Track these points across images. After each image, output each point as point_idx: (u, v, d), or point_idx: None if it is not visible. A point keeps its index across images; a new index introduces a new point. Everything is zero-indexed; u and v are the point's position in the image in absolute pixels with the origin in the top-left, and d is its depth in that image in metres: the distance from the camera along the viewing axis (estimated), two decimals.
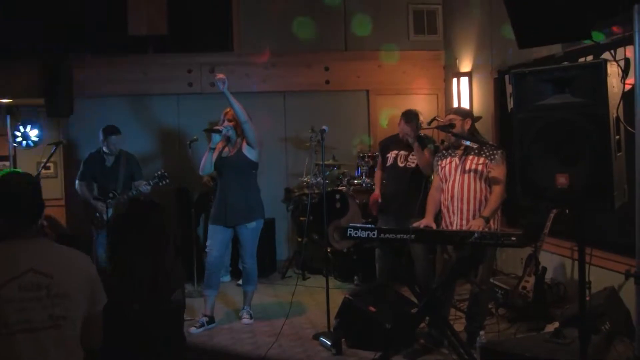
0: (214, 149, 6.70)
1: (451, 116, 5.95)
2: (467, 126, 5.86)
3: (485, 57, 8.60)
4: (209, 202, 7.66)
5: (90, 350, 3.08)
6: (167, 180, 7.70)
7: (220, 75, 6.45)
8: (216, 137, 6.65)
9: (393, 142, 7.03)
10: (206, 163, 6.70)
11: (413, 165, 6.70)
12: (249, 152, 6.67)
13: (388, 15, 10.05)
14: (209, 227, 6.85)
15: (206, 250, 6.81)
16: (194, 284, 7.93)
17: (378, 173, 7.22)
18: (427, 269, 6.64)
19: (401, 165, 6.78)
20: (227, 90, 6.42)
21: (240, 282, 7.75)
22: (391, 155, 6.89)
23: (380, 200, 7.00)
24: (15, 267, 2.81)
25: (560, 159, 3.83)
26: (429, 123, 7.65)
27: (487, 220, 5.43)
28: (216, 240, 6.73)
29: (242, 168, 6.69)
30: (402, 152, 6.80)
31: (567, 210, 5.85)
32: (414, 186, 6.63)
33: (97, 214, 7.67)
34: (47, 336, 2.82)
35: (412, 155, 6.71)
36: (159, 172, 7.68)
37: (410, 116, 6.76)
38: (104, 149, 7.81)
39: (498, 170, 5.61)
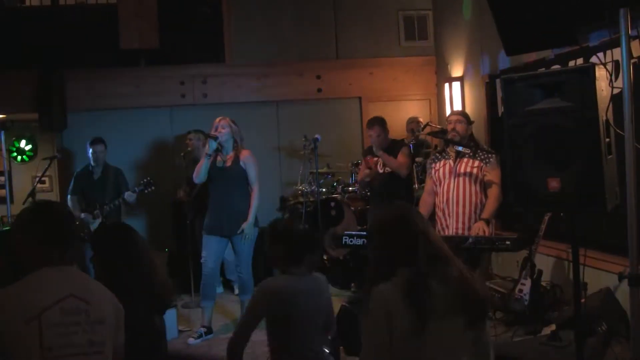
0: (210, 155, 6.70)
1: (458, 117, 5.96)
2: (470, 131, 5.95)
3: (476, 62, 8.63)
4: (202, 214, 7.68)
5: None
6: (153, 187, 7.73)
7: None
8: (212, 144, 6.67)
9: (371, 150, 7.35)
10: (201, 170, 6.71)
11: (389, 169, 6.88)
12: (247, 167, 6.71)
13: (378, 22, 10.09)
14: (203, 237, 6.85)
15: (201, 261, 6.82)
16: (191, 295, 7.94)
17: (363, 168, 7.63)
18: None
19: (380, 170, 7.06)
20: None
21: (237, 292, 7.80)
22: (374, 160, 7.21)
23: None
24: (57, 292, 2.82)
25: (552, 163, 3.85)
26: (422, 129, 7.72)
27: (487, 223, 5.48)
28: (211, 251, 6.73)
29: (238, 179, 6.71)
30: (380, 159, 7.11)
31: (560, 214, 5.87)
32: (394, 189, 6.87)
33: (86, 227, 7.69)
34: None
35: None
36: (145, 180, 7.72)
37: (371, 122, 7.13)
38: (91, 161, 7.86)
39: (494, 173, 5.66)
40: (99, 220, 7.69)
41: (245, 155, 6.72)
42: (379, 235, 3.07)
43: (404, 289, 2.81)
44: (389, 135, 7.26)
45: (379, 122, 7.11)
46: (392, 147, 7.16)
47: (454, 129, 5.83)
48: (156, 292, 3.53)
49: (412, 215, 3.03)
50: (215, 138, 6.65)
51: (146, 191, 7.71)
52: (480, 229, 5.39)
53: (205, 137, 6.82)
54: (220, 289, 8.59)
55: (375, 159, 7.10)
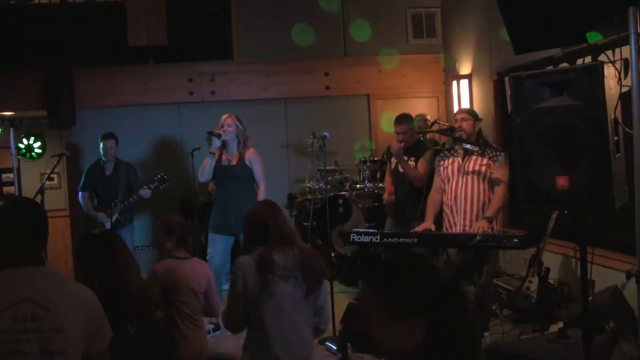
0: (213, 153, 6.72)
1: (464, 115, 5.94)
2: (477, 128, 5.90)
3: (484, 60, 8.62)
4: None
5: None
6: (168, 183, 7.75)
7: None
8: (215, 142, 6.68)
9: None
10: (206, 168, 6.73)
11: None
12: (252, 166, 6.71)
13: (387, 19, 10.08)
14: (209, 235, 6.87)
15: (207, 258, 6.84)
16: None
17: (387, 176, 7.34)
18: None
19: (401, 170, 6.85)
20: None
21: None
22: (394, 160, 6.99)
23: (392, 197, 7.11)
24: (11, 296, 2.66)
25: (560, 161, 3.85)
26: (430, 126, 7.69)
27: (490, 221, 5.46)
28: (218, 248, 6.76)
29: (243, 177, 6.73)
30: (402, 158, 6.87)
31: (566, 212, 5.87)
32: (413, 192, 6.69)
33: (99, 224, 7.71)
34: None
35: (411, 160, 6.81)
36: (159, 176, 7.73)
37: (400, 119, 6.93)
38: (102, 157, 7.88)
39: (501, 172, 5.64)
40: (115, 217, 7.70)
41: (250, 153, 6.73)
42: (247, 225, 4.18)
43: (255, 260, 3.88)
44: (415, 134, 7.00)
45: (408, 120, 6.96)
46: (417, 147, 6.93)
47: (460, 127, 5.81)
48: (134, 300, 3.50)
49: (263, 208, 4.20)
50: (219, 136, 6.67)
51: (161, 187, 7.74)
52: (480, 227, 5.37)
53: (209, 135, 6.83)
54: (227, 285, 8.58)
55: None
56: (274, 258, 3.89)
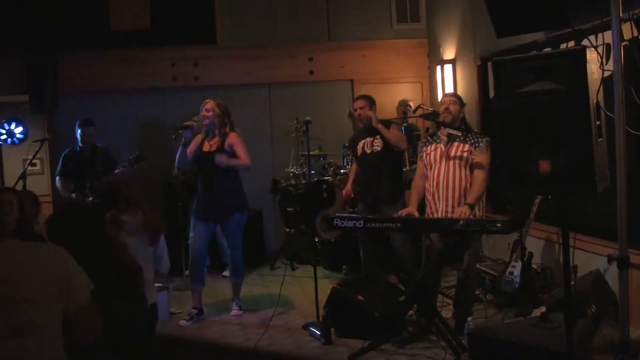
0: (185, 145, 6.70)
1: (451, 99, 5.93)
2: (462, 113, 5.89)
3: (468, 44, 8.62)
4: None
5: (86, 344, 2.91)
6: (144, 161, 7.67)
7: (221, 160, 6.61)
8: (187, 134, 6.68)
9: (359, 135, 7.18)
10: (180, 158, 6.72)
11: (379, 148, 6.80)
12: (237, 147, 6.67)
13: (371, 4, 10.06)
14: (191, 220, 6.87)
15: (189, 242, 6.85)
16: (182, 277, 7.95)
17: (354, 167, 7.34)
18: (409, 257, 6.68)
19: (368, 151, 6.89)
20: (225, 161, 6.64)
21: (225, 273, 7.83)
22: (359, 146, 7.00)
23: (352, 194, 7.17)
24: None
25: (542, 146, 3.86)
26: (414, 111, 7.69)
27: (471, 207, 5.45)
28: (199, 232, 6.75)
29: None
30: (368, 140, 6.91)
31: (549, 196, 5.89)
32: (384, 169, 6.79)
33: None
34: (8, 348, 2.61)
35: (376, 138, 6.81)
36: (134, 154, 7.66)
37: (361, 97, 7.04)
38: (79, 143, 7.84)
39: (481, 157, 5.63)
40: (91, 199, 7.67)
41: (231, 137, 6.69)
42: (102, 192, 5.19)
43: (108, 219, 4.58)
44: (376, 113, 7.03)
45: (365, 97, 7.03)
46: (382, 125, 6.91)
47: (447, 109, 5.80)
48: (115, 275, 3.43)
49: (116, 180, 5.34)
50: (188, 128, 6.67)
51: (136, 165, 7.67)
52: (462, 213, 5.37)
53: (180, 128, 6.80)
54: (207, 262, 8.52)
55: (361, 142, 6.97)
56: (122, 218, 4.80)
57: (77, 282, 2.86)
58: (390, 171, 6.78)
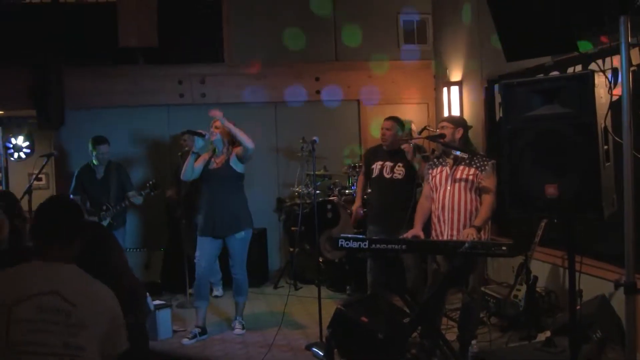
0: (196, 153, 6.70)
1: (443, 124, 5.93)
2: (458, 135, 5.79)
3: (475, 66, 8.64)
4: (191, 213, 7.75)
5: None
6: (159, 189, 7.77)
7: (215, 113, 6.58)
8: (199, 142, 6.67)
9: (378, 152, 7.00)
10: (187, 168, 6.70)
11: (400, 176, 6.69)
12: (236, 165, 6.68)
13: (378, 25, 10.08)
14: (197, 238, 6.85)
15: (195, 261, 6.82)
16: (186, 295, 7.93)
17: (361, 179, 7.28)
18: (419, 278, 6.66)
19: (387, 176, 6.77)
20: (226, 122, 6.58)
21: (215, 292, 7.96)
22: (376, 166, 6.87)
23: (362, 211, 7.10)
24: (36, 286, 2.76)
25: (550, 169, 3.85)
26: (420, 132, 7.67)
27: (478, 230, 5.43)
28: (205, 251, 6.74)
29: (229, 180, 6.70)
30: (388, 163, 6.79)
31: (555, 220, 5.88)
32: (402, 198, 6.62)
33: None
34: None
35: (399, 166, 6.71)
36: (151, 182, 7.76)
37: (390, 118, 6.92)
38: (94, 160, 7.81)
39: (489, 181, 5.61)
40: (107, 221, 7.65)
41: (234, 153, 6.69)
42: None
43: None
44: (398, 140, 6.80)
45: (394, 119, 6.90)
46: (401, 152, 6.65)
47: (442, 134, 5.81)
48: (123, 295, 3.44)
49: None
50: (203, 136, 6.66)
51: (152, 194, 7.75)
52: (469, 235, 5.34)
53: (192, 135, 6.81)
54: (220, 292, 8.50)
55: (380, 163, 6.81)
56: None
57: (122, 333, 2.98)
58: (408, 200, 6.60)
